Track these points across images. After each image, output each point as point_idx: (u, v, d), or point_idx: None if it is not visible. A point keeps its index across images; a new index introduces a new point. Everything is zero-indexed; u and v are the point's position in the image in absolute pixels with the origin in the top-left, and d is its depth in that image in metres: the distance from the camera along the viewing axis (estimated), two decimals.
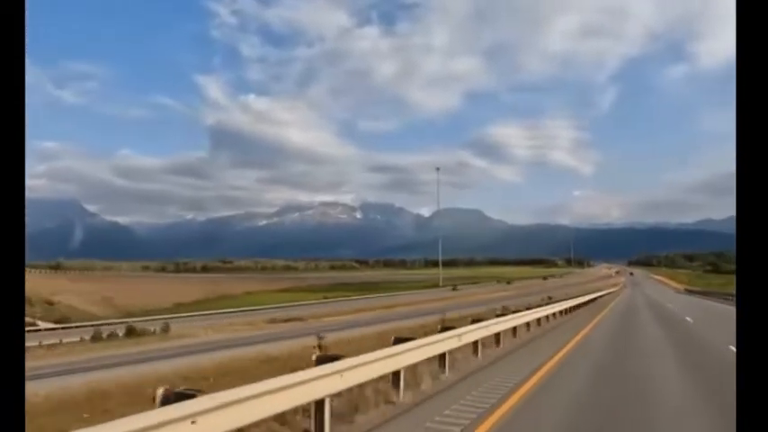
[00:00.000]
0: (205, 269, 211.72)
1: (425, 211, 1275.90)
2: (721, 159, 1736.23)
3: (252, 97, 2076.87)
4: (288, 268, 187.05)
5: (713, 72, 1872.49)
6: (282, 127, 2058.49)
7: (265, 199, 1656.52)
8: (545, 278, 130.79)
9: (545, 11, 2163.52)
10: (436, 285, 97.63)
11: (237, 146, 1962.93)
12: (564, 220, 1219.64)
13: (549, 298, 40.55)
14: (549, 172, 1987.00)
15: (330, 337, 14.06)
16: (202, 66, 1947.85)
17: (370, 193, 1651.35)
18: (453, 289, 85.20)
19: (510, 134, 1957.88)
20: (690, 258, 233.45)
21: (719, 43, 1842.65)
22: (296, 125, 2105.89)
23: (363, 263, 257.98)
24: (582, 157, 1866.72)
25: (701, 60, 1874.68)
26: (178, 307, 76.54)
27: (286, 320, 39.54)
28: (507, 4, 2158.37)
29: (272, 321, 39.64)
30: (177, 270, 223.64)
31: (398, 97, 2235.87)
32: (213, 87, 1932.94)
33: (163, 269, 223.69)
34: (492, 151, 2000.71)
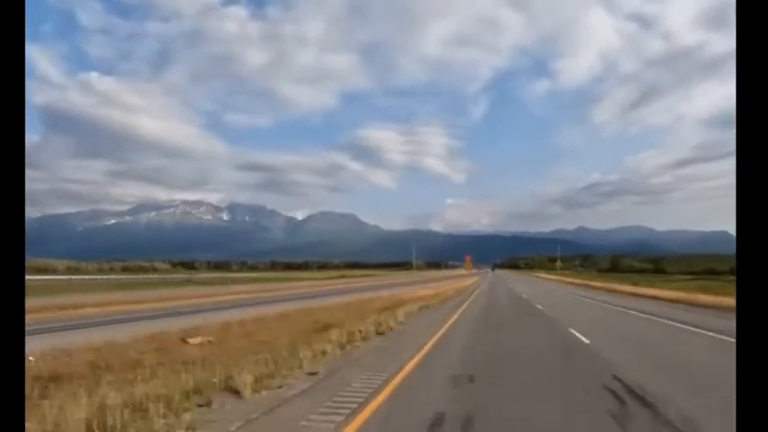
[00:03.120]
0: None
1: (299, 214, 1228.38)
2: (572, 175, 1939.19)
3: (94, 75, 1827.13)
4: (69, 269, 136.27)
5: (570, 90, 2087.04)
6: (134, 113, 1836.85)
7: (115, 195, 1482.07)
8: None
9: (422, 13, 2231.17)
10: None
11: (78, 132, 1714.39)
12: (437, 227, 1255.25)
13: None
14: (423, 178, 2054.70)
15: None
16: (28, 32, 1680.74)
17: (240, 194, 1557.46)
18: None
19: (385, 138, 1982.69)
20: (554, 261, 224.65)
21: (577, 63, 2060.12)
22: (150, 112, 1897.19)
23: (188, 265, 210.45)
24: (455, 166, 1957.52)
25: (560, 78, 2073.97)
26: None
27: None
28: (384, 1, 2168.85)
29: None
30: None
31: (270, 91, 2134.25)
32: (44, 59, 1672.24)
33: None
34: (367, 155, 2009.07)
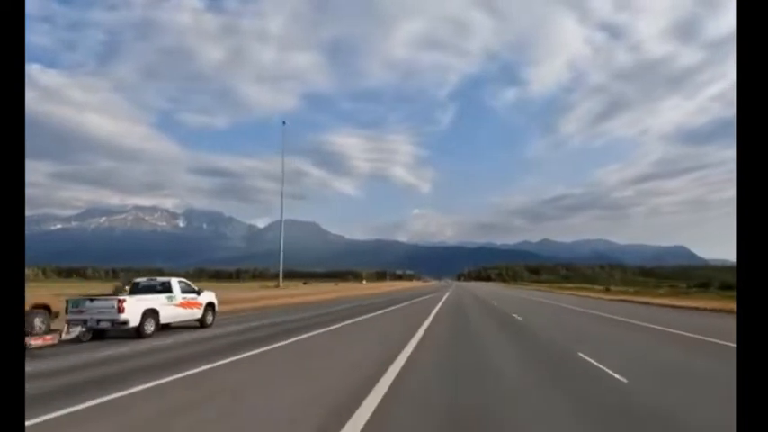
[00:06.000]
0: None
1: (260, 222, 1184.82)
2: (538, 186, 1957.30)
3: (36, 67, 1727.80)
4: None
5: (539, 99, 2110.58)
6: (80, 110, 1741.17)
7: (61, 198, 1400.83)
8: None
9: (389, 11, 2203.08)
10: None
11: None
12: (402, 237, 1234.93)
13: None
14: (389, 188, 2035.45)
15: None
16: None
17: (197, 199, 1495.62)
18: None
19: (350, 144, 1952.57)
20: (534, 271, 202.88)
21: (546, 71, 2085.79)
22: (98, 110, 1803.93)
23: (76, 272, 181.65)
24: (421, 175, 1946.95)
25: (530, 86, 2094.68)
26: None
27: None
28: None
29: None
30: None
31: (229, 90, 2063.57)
32: None
33: None
34: (331, 161, 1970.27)
